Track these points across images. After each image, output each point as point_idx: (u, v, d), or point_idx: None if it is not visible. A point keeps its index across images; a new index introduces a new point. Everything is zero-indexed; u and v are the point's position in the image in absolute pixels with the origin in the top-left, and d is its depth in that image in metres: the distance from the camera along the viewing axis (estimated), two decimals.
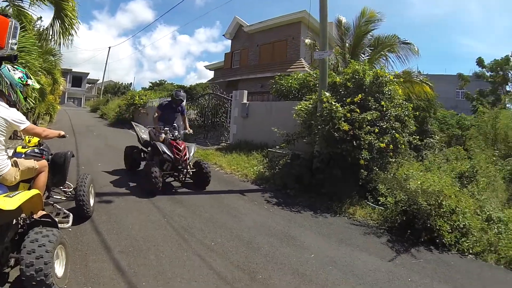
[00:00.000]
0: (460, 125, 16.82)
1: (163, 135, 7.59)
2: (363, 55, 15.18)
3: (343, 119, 7.45)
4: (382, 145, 7.32)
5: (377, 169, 7.25)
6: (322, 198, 7.53)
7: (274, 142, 10.29)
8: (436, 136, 14.34)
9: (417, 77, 14.53)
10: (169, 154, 7.18)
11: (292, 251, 5.04)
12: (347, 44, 15.48)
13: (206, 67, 33.86)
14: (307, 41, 16.11)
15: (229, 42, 28.61)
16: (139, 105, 23.99)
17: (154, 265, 4.14)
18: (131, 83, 52.69)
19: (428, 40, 79.89)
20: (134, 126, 8.94)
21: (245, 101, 14.26)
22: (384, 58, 15.05)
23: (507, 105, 12.78)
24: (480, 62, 27.05)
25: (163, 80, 58.73)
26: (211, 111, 16.81)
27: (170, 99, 8.61)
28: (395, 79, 11.39)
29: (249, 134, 12.91)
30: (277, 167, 9.01)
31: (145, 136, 8.50)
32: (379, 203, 6.82)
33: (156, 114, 8.15)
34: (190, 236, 5.09)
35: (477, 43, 64.97)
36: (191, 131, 8.61)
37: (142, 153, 8.79)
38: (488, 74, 26.48)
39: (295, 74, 12.89)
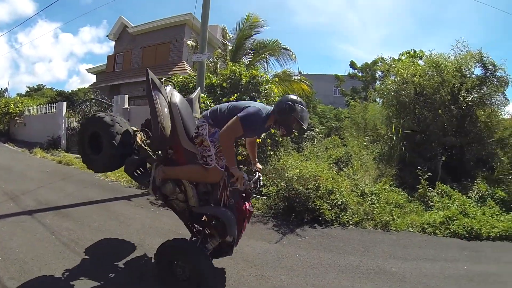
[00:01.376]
0: (338, 118, 18.41)
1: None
2: (244, 58, 15.84)
3: None
4: (258, 140, 7.74)
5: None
6: None
7: None
8: (316, 129, 15.61)
9: (295, 77, 15.61)
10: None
11: None
12: (229, 47, 16.01)
13: (88, 70, 30.52)
14: (189, 42, 16.28)
15: (113, 43, 26.51)
16: (14, 114, 20.67)
17: (49, 284, 3.96)
18: (5, 88, 45.81)
19: (311, 44, 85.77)
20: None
21: (126, 106, 13.93)
22: (265, 61, 15.91)
23: (377, 99, 14.25)
24: (352, 64, 31.09)
25: (42, 84, 51.96)
26: None
27: None
28: (273, 79, 12.17)
29: None
30: None
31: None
32: (262, 193, 7.31)
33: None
34: (81, 248, 4.91)
35: (354, 48, 72.16)
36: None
37: None
38: (360, 74, 30.22)
39: (175, 76, 12.97)
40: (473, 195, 8.77)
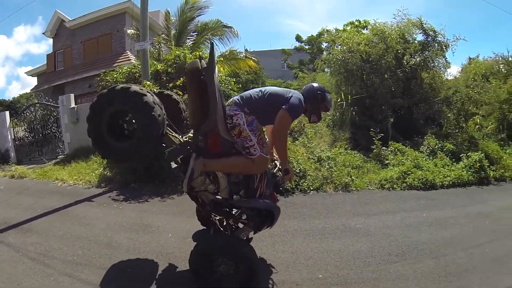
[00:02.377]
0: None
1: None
2: (188, 41, 15.40)
3: None
4: None
5: None
6: (165, 183, 7.66)
7: None
8: None
9: (241, 55, 15.40)
10: None
11: (150, 237, 5.05)
12: (173, 32, 15.53)
13: (28, 73, 27.75)
14: (130, 31, 15.64)
15: (51, 41, 24.20)
16: None
17: None
18: None
19: (257, 22, 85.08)
20: None
21: (73, 105, 13.10)
22: (208, 42, 15.50)
23: (325, 69, 14.37)
24: (298, 38, 31.49)
25: None
26: (40, 123, 14.54)
27: None
28: (219, 59, 11.93)
29: (84, 139, 11.80)
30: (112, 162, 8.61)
31: None
32: None
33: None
34: (51, 260, 4.56)
35: (300, 23, 72.21)
36: None
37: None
38: (306, 47, 30.65)
39: (120, 68, 12.38)
40: (424, 150, 9.27)
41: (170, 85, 8.00)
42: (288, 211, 5.85)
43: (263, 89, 3.54)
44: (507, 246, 4.84)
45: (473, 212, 6.13)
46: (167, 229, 5.30)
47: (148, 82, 8.08)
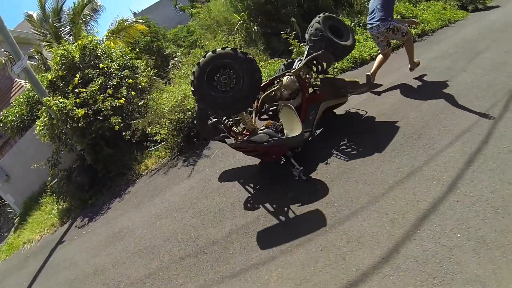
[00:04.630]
0: (191, 32, 17.66)
1: None
2: (68, 36, 13.98)
3: (75, 107, 6.98)
4: (121, 101, 7.21)
5: (133, 121, 7.08)
6: (117, 180, 7.26)
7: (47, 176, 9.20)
8: (178, 53, 14.96)
9: (128, 23, 14.29)
10: None
11: (127, 241, 4.98)
12: (48, 34, 14.05)
13: None
14: (1, 59, 14.11)
15: None
16: None
17: None
18: None
19: None
20: None
21: None
22: (87, 24, 14.22)
23: None
24: None
25: None
26: None
27: None
28: (107, 37, 11.09)
29: (25, 189, 10.16)
30: (63, 195, 8.22)
31: None
32: (159, 142, 6.90)
33: None
34: None
35: None
36: None
37: None
38: None
39: (16, 100, 11.28)
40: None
41: (70, 87, 7.37)
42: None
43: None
44: (452, 90, 5.08)
45: (408, 71, 6.24)
46: (136, 224, 5.21)
47: (47, 98, 7.37)
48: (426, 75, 5.92)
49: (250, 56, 3.75)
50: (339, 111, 5.40)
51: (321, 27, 4.64)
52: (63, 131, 7.27)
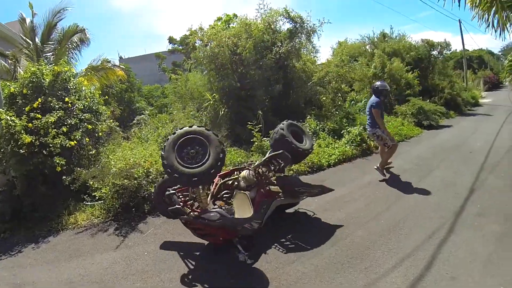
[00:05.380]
0: (165, 95, 17.89)
1: None
2: (50, 54, 13.55)
3: (23, 131, 6.52)
4: (72, 143, 6.77)
5: (77, 168, 6.65)
6: (40, 223, 6.55)
7: None
8: (146, 111, 14.89)
9: (109, 64, 14.25)
10: None
11: None
12: (36, 41, 13.47)
13: None
14: None
15: None
16: None
17: None
18: None
19: (132, 25, 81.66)
20: None
21: None
22: (71, 52, 13.96)
23: (195, 68, 13.95)
24: (171, 40, 29.71)
25: None
26: None
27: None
28: (87, 70, 10.90)
29: None
30: None
31: None
32: (97, 198, 6.46)
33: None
34: None
35: (175, 22, 71.35)
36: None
37: None
38: (180, 47, 29.07)
39: None
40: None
41: (27, 108, 6.94)
42: (171, 228, 5.51)
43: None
44: (401, 209, 5.25)
45: (363, 184, 6.55)
46: (43, 284, 4.54)
47: (1, 110, 6.84)
48: (379, 189, 6.19)
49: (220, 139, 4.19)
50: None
51: (284, 133, 5.26)
52: (1, 149, 6.69)
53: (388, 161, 7.25)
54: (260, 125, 9.04)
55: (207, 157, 3.99)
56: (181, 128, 4.16)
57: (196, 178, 3.93)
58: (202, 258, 4.53)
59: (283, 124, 5.49)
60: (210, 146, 4.03)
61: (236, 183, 4.97)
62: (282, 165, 4.95)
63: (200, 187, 4.34)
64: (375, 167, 7.00)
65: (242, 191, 4.65)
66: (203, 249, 4.77)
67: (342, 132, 9.47)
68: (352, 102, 12.14)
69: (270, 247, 4.49)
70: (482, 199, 5.47)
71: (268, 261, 4.15)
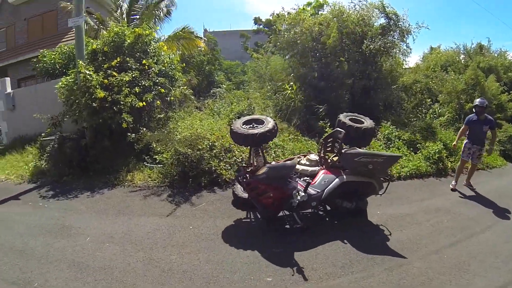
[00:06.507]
0: (244, 72, 17.90)
1: None
2: (137, 18, 14.04)
3: (98, 86, 6.75)
4: (141, 104, 6.90)
5: (143, 129, 6.79)
6: (100, 174, 6.83)
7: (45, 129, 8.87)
8: (223, 85, 14.97)
9: (193, 35, 14.45)
10: None
11: (67, 242, 4.45)
12: (125, 7, 14.10)
13: None
14: (64, 4, 14.06)
15: None
16: None
17: None
18: None
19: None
20: None
21: (9, 90, 11.64)
22: (156, 18, 14.41)
23: (275, 52, 13.71)
24: (256, 20, 30.40)
25: None
26: None
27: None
28: (166, 36, 11.11)
29: (22, 127, 10.66)
30: (47, 156, 7.81)
31: None
32: (157, 161, 6.52)
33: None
34: None
35: (263, 1, 70.97)
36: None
37: None
38: (266, 28, 29.14)
39: (60, 47, 11.22)
40: (381, 137, 8.88)
41: (105, 65, 7.21)
42: (223, 208, 5.44)
43: None
44: (468, 248, 4.51)
45: (432, 208, 5.85)
46: (88, 230, 4.76)
47: (82, 63, 7.22)
48: (448, 217, 5.46)
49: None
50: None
51: (341, 118, 5.60)
52: (77, 100, 7.01)
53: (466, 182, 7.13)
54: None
55: (263, 126, 5.06)
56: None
57: (255, 136, 4.87)
58: (247, 244, 4.32)
59: (340, 115, 5.76)
60: (266, 123, 5.13)
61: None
62: (340, 142, 5.17)
63: (260, 155, 5.25)
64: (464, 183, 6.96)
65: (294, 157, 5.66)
66: (247, 235, 4.65)
67: (417, 145, 8.68)
68: (434, 115, 11.15)
69: (320, 253, 4.15)
70: None
71: (314, 268, 3.81)
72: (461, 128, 7.04)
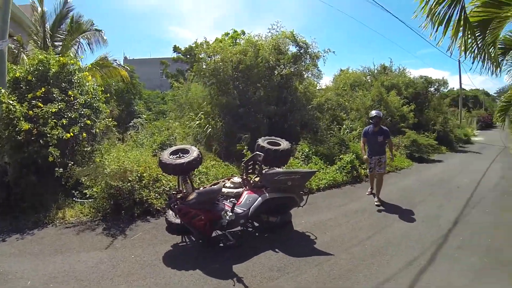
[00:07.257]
0: (165, 101, 18.02)
1: None
2: (58, 43, 13.43)
3: (23, 118, 6.50)
4: (68, 135, 6.78)
5: (71, 164, 6.63)
6: (27, 214, 6.49)
7: None
8: (143, 115, 14.95)
9: (115, 63, 14.37)
10: None
11: None
12: (47, 28, 13.40)
13: None
14: None
15: None
16: None
17: None
18: None
19: (141, 27, 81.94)
20: None
21: None
22: (78, 46, 14.00)
23: (196, 80, 14.07)
24: (176, 49, 30.13)
25: None
26: None
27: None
28: (91, 65, 10.94)
29: None
30: None
31: None
32: (87, 196, 6.49)
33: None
34: None
35: (184, 30, 71.45)
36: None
37: None
38: (185, 57, 29.41)
39: None
40: (299, 155, 9.72)
41: (29, 95, 6.93)
42: (159, 235, 5.60)
43: None
44: (385, 237, 5.45)
45: (351, 211, 6.77)
46: (26, 275, 4.48)
47: (4, 92, 6.76)
48: (364, 217, 6.43)
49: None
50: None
51: (260, 142, 5.97)
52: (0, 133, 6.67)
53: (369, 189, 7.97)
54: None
55: (189, 155, 5.37)
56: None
57: (182, 165, 5.18)
58: (188, 264, 4.56)
59: (259, 139, 6.17)
60: (191, 153, 5.46)
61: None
62: (260, 164, 5.70)
63: (188, 182, 5.56)
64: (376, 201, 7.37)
65: (219, 181, 6.16)
66: (186, 256, 4.90)
67: (334, 158, 9.76)
68: (347, 130, 12.53)
69: (256, 262, 4.61)
70: (465, 233, 5.66)
71: (253, 275, 4.23)
72: (361, 141, 7.70)
